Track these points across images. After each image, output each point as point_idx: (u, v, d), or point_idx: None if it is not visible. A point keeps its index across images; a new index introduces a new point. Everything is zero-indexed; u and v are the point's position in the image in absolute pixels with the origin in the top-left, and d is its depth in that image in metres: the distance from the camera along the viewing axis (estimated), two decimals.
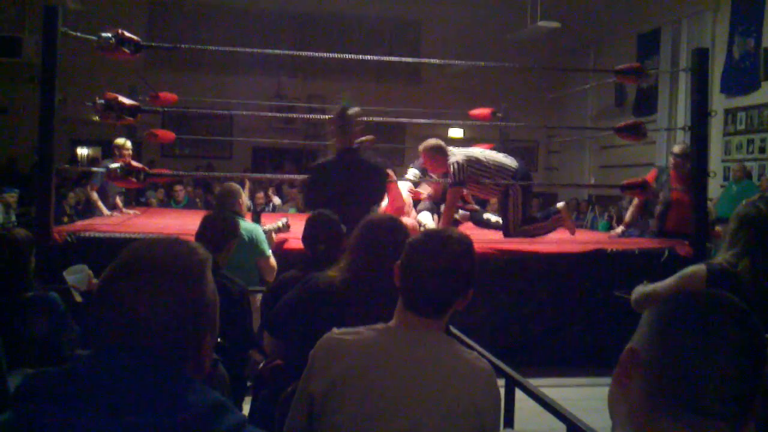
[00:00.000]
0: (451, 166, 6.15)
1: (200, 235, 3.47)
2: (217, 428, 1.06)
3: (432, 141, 6.43)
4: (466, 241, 1.89)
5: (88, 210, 8.22)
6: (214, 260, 3.35)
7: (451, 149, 6.38)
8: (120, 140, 7.49)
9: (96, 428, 1.00)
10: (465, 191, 7.07)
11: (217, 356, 2.22)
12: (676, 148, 6.68)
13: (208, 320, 1.18)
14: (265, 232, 4.81)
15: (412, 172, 6.80)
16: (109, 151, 7.85)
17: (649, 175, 6.73)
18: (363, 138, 4.72)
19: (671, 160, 6.68)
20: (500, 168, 6.29)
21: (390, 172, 6.40)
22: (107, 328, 1.11)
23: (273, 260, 4.63)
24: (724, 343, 1.01)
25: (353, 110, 4.56)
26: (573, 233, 6.51)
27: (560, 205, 6.53)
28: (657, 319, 1.08)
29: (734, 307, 1.06)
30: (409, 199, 6.36)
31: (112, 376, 1.05)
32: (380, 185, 4.72)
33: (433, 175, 6.71)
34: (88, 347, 1.16)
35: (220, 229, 3.48)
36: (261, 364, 2.82)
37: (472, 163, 6.20)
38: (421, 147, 6.45)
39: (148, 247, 1.18)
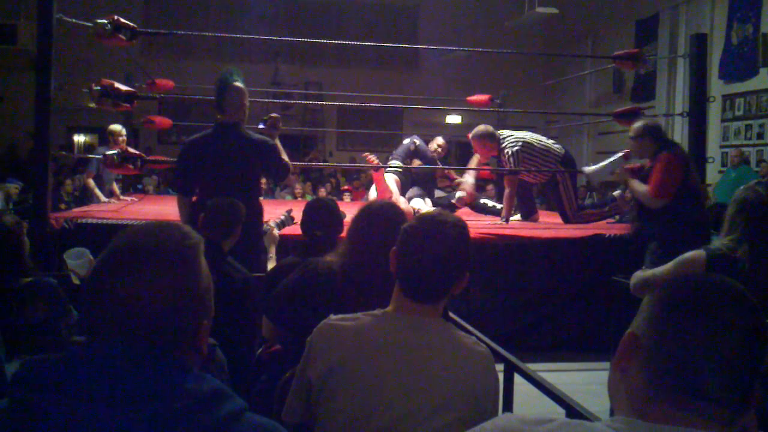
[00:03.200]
0: (506, 155, 6.34)
1: (207, 221, 3.47)
2: (217, 415, 1.05)
3: (482, 127, 6.60)
4: (460, 225, 1.88)
5: (84, 197, 8.21)
6: (219, 247, 3.37)
7: (502, 133, 6.50)
8: (115, 127, 7.47)
9: (93, 416, 0.99)
10: (451, 173, 7.15)
11: (214, 341, 2.21)
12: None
13: (203, 305, 1.17)
14: (264, 232, 4.63)
15: (395, 163, 6.83)
16: (106, 138, 7.84)
17: None
18: (272, 115, 4.59)
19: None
20: (548, 152, 6.42)
21: (372, 158, 6.42)
22: (102, 316, 1.10)
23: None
24: (725, 327, 1.00)
25: (234, 84, 4.30)
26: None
27: (617, 193, 6.74)
28: (657, 304, 1.07)
29: (735, 292, 1.05)
30: (395, 188, 6.40)
31: (109, 364, 1.04)
32: (260, 161, 4.33)
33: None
34: (85, 334, 1.15)
35: (226, 215, 3.49)
36: (260, 350, 2.82)
37: (525, 149, 6.36)
38: (471, 133, 6.61)
39: (141, 232, 1.17)
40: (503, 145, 6.40)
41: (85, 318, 1.12)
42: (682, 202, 4.57)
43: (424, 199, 6.67)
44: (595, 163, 5.59)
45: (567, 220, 6.48)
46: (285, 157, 4.43)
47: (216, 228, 3.42)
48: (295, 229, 4.66)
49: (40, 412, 1.00)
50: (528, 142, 6.41)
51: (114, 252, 1.14)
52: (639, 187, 4.75)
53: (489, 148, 6.51)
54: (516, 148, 6.31)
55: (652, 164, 4.73)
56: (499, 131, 6.61)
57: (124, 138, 7.39)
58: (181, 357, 1.11)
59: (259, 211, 4.36)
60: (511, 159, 6.30)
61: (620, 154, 5.27)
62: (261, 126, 4.59)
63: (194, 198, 4.29)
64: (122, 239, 1.15)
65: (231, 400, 1.09)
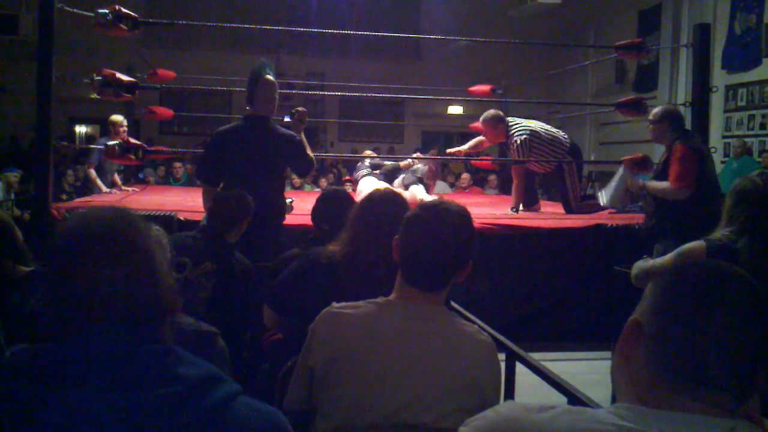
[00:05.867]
0: (514, 145, 6.35)
1: (213, 212, 3.49)
2: (211, 399, 1.04)
3: (492, 111, 6.63)
4: (463, 213, 1.88)
5: (86, 188, 8.19)
6: (223, 237, 3.38)
7: (511, 120, 6.55)
8: (116, 117, 7.46)
9: (84, 405, 0.98)
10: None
11: (215, 329, 2.21)
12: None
13: (163, 270, 1.16)
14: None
15: (363, 173, 6.99)
16: (107, 128, 7.83)
17: None
18: (299, 108, 4.57)
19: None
20: (555, 141, 6.44)
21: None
22: (71, 307, 1.08)
23: None
24: (728, 313, 1.00)
25: (266, 77, 4.27)
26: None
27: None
28: (660, 290, 1.07)
29: (738, 278, 1.05)
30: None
31: (97, 352, 1.03)
32: (287, 156, 4.32)
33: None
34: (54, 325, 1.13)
35: (233, 207, 3.50)
36: (262, 339, 2.82)
37: (533, 138, 6.38)
38: (481, 117, 6.63)
39: (82, 220, 1.16)
40: (511, 132, 6.41)
41: (54, 311, 1.11)
42: (700, 194, 4.56)
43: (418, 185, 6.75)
44: (603, 188, 5.57)
45: (570, 210, 6.49)
46: (309, 152, 4.43)
47: (221, 219, 3.44)
48: (299, 219, 4.67)
49: (28, 402, 0.99)
50: (536, 131, 6.42)
51: (65, 243, 1.12)
52: (659, 185, 4.71)
53: (497, 134, 6.52)
54: (524, 136, 6.32)
55: (667, 156, 4.73)
56: (508, 118, 6.62)
57: (125, 128, 7.38)
58: (160, 329, 1.11)
59: (282, 205, 4.38)
60: (520, 148, 6.30)
61: (621, 170, 5.27)
62: (287, 119, 4.57)
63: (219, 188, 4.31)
64: (68, 230, 1.14)
65: (225, 384, 1.08)
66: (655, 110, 4.95)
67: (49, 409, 0.99)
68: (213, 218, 3.46)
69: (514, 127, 6.44)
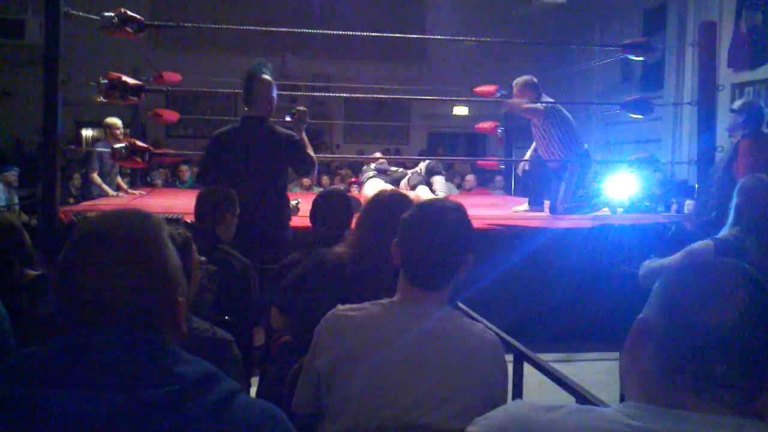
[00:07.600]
0: (540, 105, 6.35)
1: (197, 209, 3.50)
2: (210, 398, 1.05)
3: (527, 76, 6.62)
4: (459, 209, 1.89)
5: (87, 193, 8.16)
6: (213, 233, 3.38)
7: (545, 97, 6.54)
8: (110, 120, 7.44)
9: (82, 406, 0.99)
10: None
11: (231, 337, 2.21)
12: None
13: (175, 282, 1.16)
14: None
15: (369, 175, 7.02)
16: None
17: None
18: (299, 108, 4.54)
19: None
20: (576, 138, 6.39)
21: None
22: (77, 306, 1.09)
23: None
24: (737, 311, 1.00)
25: (263, 76, 4.26)
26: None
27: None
28: (668, 289, 1.07)
29: (746, 276, 1.04)
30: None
31: (96, 353, 1.03)
32: (286, 156, 4.30)
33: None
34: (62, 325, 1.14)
35: (213, 201, 3.50)
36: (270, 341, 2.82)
37: (563, 115, 6.31)
38: (515, 82, 6.63)
39: (101, 220, 1.16)
40: (541, 99, 6.38)
41: (61, 310, 1.11)
42: None
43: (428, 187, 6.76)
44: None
45: (553, 210, 6.45)
46: (310, 151, 4.42)
47: (205, 216, 3.44)
48: (300, 222, 4.67)
49: (30, 405, 0.99)
50: (563, 113, 6.37)
51: (78, 242, 1.12)
52: None
53: (527, 97, 6.46)
54: (552, 106, 6.30)
55: (733, 152, 4.79)
56: (544, 99, 6.60)
57: (122, 131, 7.36)
58: (162, 338, 1.11)
59: (286, 204, 4.38)
60: (543, 110, 6.25)
61: None
62: (288, 119, 4.56)
63: None
64: (84, 229, 1.14)
65: (223, 383, 1.08)
66: (739, 101, 5.16)
67: (49, 410, 0.99)
68: (198, 216, 3.46)
69: (547, 101, 6.42)
